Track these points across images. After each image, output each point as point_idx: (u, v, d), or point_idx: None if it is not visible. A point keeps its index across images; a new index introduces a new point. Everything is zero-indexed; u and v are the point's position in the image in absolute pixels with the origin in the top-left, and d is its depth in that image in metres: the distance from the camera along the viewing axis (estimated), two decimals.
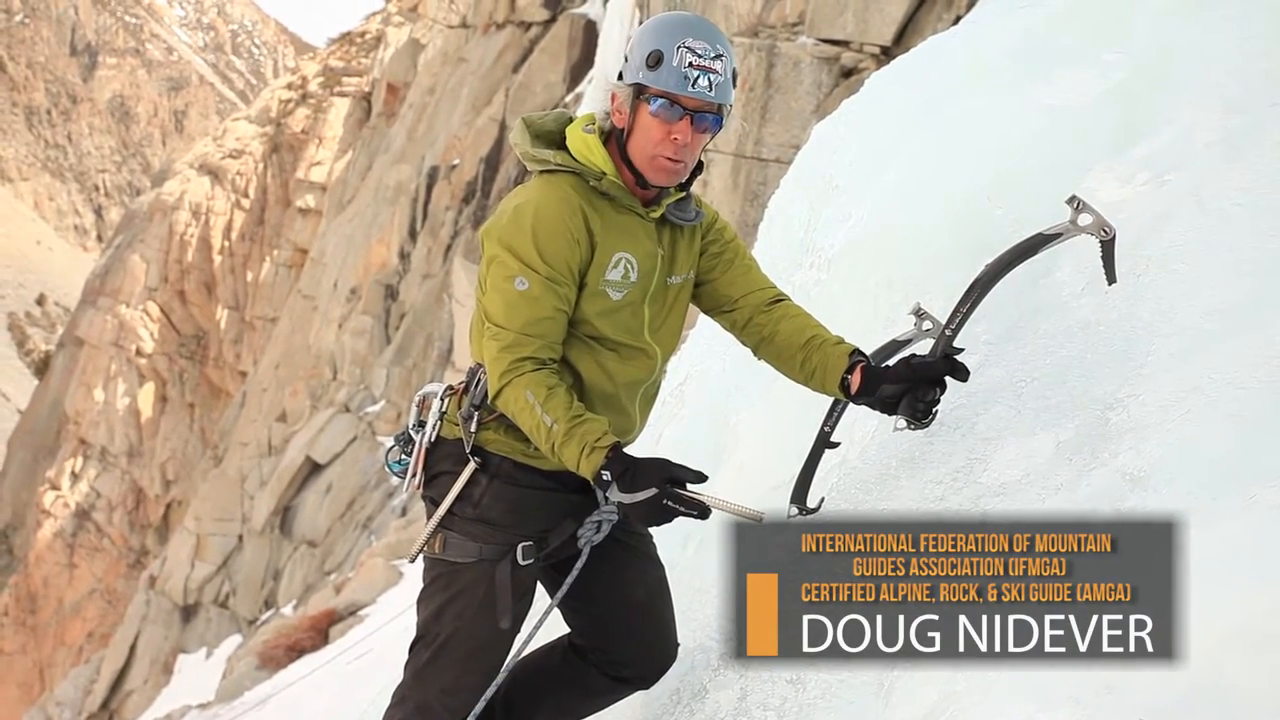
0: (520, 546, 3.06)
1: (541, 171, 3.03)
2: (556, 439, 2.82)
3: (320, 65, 54.05)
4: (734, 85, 2.97)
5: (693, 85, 2.86)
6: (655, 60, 2.87)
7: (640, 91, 2.91)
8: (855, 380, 3.02)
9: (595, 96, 24.83)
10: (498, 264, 2.93)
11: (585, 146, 2.99)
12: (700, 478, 2.83)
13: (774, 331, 3.18)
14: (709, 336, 5.26)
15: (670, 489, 2.78)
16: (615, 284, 2.99)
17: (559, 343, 2.96)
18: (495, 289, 2.93)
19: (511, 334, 2.89)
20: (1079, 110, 3.92)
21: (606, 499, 2.94)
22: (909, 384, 2.97)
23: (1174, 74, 3.78)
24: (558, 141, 3.07)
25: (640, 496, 2.77)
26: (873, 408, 3.06)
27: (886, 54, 13.65)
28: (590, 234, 2.94)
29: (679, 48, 2.86)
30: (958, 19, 10.94)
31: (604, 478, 2.79)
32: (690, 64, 2.86)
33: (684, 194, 3.09)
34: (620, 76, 2.97)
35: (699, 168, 3.07)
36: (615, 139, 3.00)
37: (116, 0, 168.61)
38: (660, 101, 2.89)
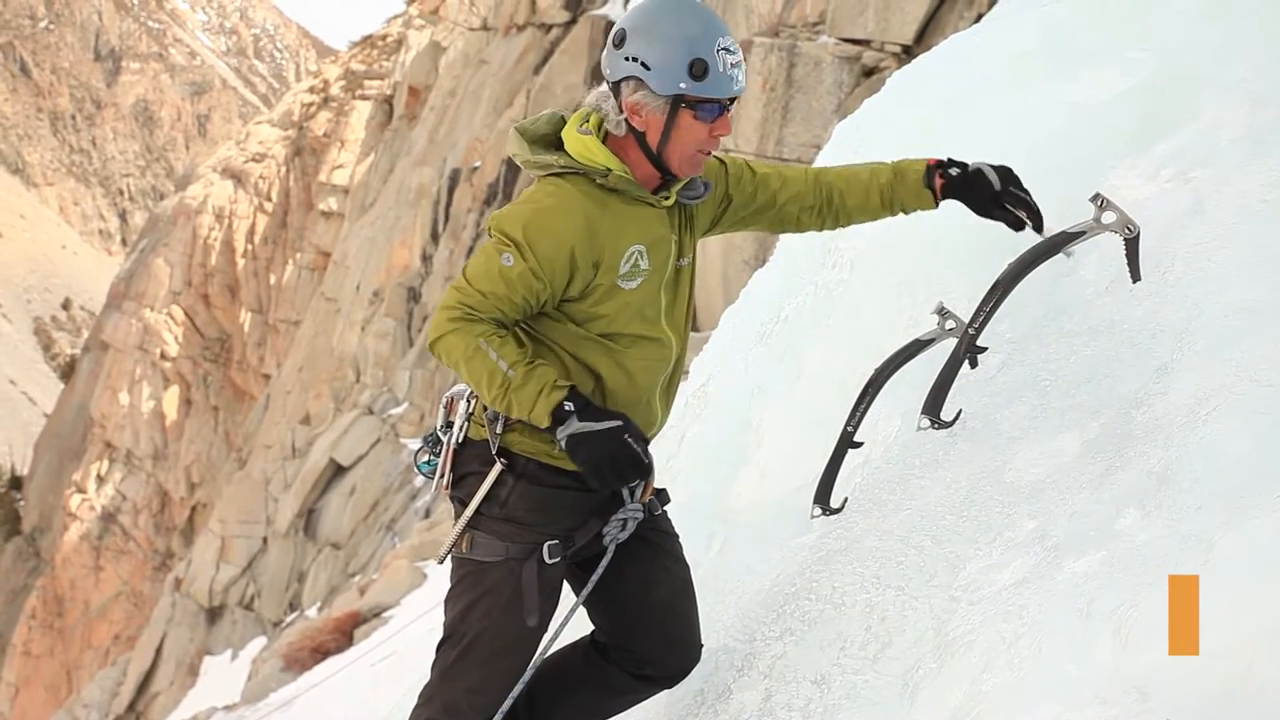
0: (546, 545, 3.07)
1: (546, 175, 3.03)
2: (513, 381, 2.86)
3: (342, 68, 54.19)
4: None
5: (735, 84, 2.91)
6: (702, 71, 2.86)
7: (682, 100, 2.90)
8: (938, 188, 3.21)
9: None
10: (495, 239, 2.96)
11: (584, 147, 2.98)
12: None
13: (843, 203, 3.30)
14: (730, 337, 5.26)
15: (633, 426, 2.89)
16: (627, 274, 3.00)
17: (510, 325, 2.98)
18: (483, 252, 2.97)
19: (476, 293, 2.92)
20: (1102, 107, 3.91)
21: (556, 438, 2.92)
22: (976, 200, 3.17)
23: (1198, 70, 3.77)
24: (555, 143, 3.07)
25: (602, 425, 2.86)
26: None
27: (908, 53, 13.63)
28: (595, 239, 2.93)
29: (718, 51, 2.87)
30: (979, 17, 10.91)
31: (566, 408, 2.85)
32: (730, 64, 2.89)
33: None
34: (631, 78, 2.91)
35: None
36: (635, 139, 2.98)
37: (140, 5, 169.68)
38: (708, 107, 2.91)
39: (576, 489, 3.10)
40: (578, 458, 2.90)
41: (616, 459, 2.89)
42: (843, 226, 3.39)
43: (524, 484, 3.06)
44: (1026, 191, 3.16)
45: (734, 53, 2.89)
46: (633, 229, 2.99)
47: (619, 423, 2.89)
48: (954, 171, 3.20)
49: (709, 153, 2.98)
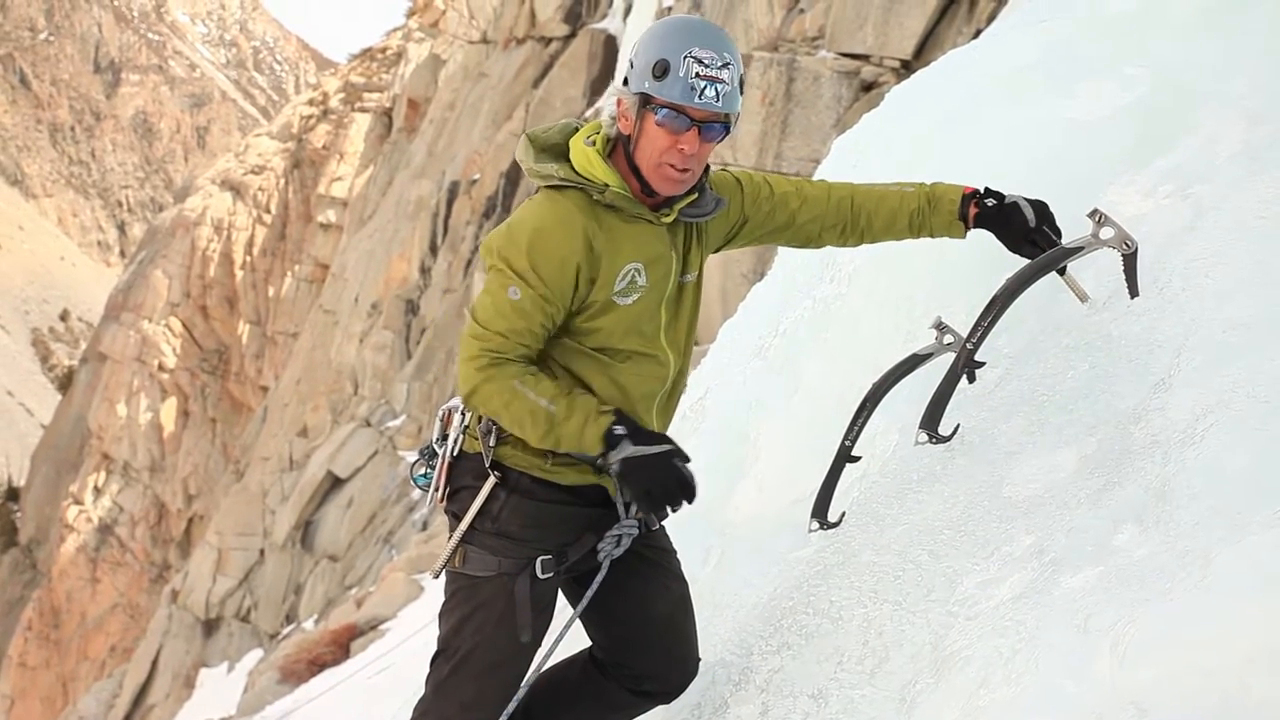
0: (539, 560, 3.06)
1: (547, 186, 3.01)
2: (557, 417, 2.85)
3: (341, 81, 54.30)
4: (741, 91, 2.94)
5: (700, 96, 2.82)
6: (661, 70, 2.82)
7: (646, 101, 2.87)
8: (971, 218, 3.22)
9: None
10: (496, 272, 2.94)
11: (586, 160, 2.96)
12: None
13: (868, 225, 3.29)
14: (728, 351, 5.26)
15: (679, 449, 2.90)
16: (623, 291, 2.97)
17: (536, 353, 2.98)
18: (488, 292, 2.94)
19: (495, 336, 2.90)
20: (1100, 123, 3.92)
21: (608, 462, 2.91)
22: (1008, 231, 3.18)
23: (1196, 86, 3.77)
24: (564, 153, 3.04)
25: (653, 450, 2.85)
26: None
27: (907, 68, 13.65)
28: (593, 254, 2.91)
29: (685, 57, 2.81)
30: (978, 32, 10.94)
31: (617, 432, 2.84)
32: (697, 74, 2.81)
33: (696, 194, 3.05)
34: (625, 81, 2.93)
35: (705, 170, 3.05)
36: (622, 145, 2.96)
37: (140, 18, 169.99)
38: (666, 112, 2.85)
39: (569, 504, 3.09)
40: (629, 482, 2.89)
41: (668, 485, 2.88)
42: (866, 244, 3.38)
43: (517, 498, 3.05)
44: (1059, 232, 3.16)
45: (709, 66, 2.81)
46: (630, 247, 2.96)
47: (669, 447, 2.88)
48: (989, 203, 3.18)
49: (681, 170, 2.91)
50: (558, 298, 2.90)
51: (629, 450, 2.85)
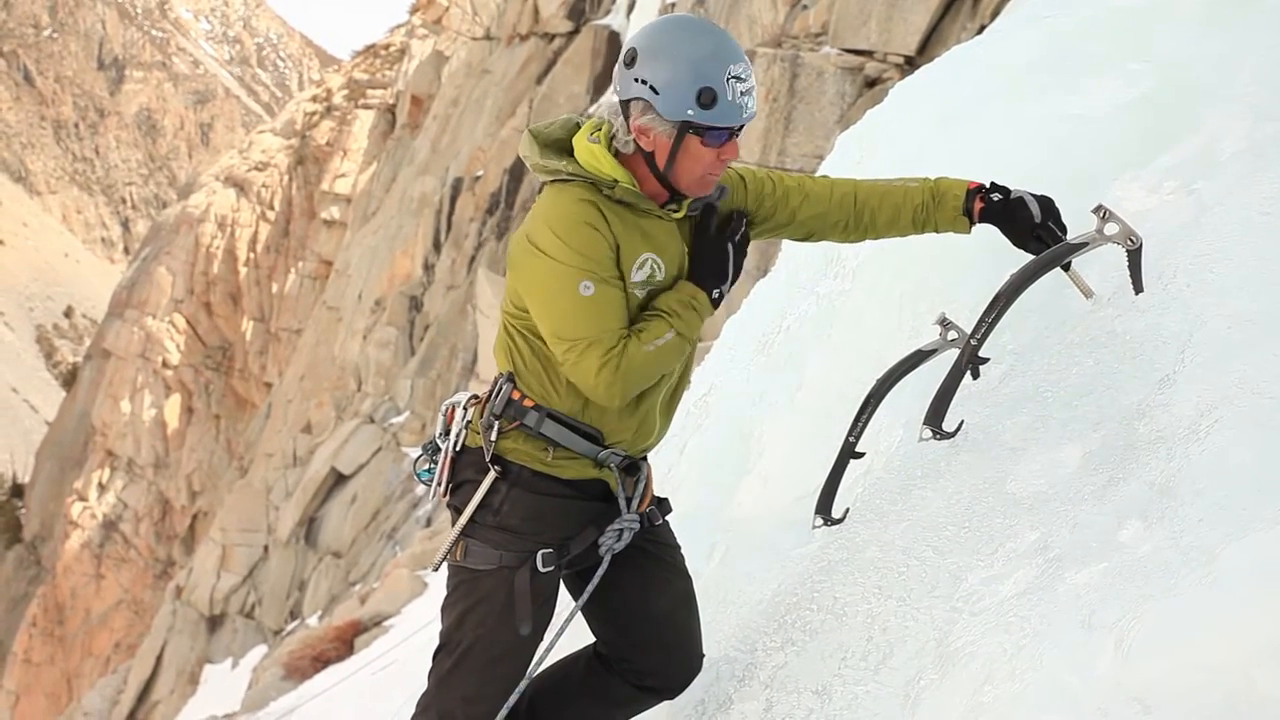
0: (540, 553, 3.07)
1: (553, 181, 3.01)
2: (681, 330, 2.95)
3: (345, 77, 54.27)
4: None
5: (745, 112, 2.88)
6: (710, 99, 2.83)
7: (689, 126, 2.88)
8: (976, 213, 3.22)
9: None
10: (550, 280, 2.91)
11: (592, 157, 2.96)
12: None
13: (871, 222, 3.31)
14: (732, 347, 5.26)
15: (720, 236, 3.09)
16: (641, 284, 2.98)
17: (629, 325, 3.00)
18: (553, 304, 2.92)
19: (599, 335, 2.89)
20: (1105, 119, 3.91)
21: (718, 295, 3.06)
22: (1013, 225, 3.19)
23: (1200, 82, 3.77)
24: (568, 148, 3.04)
25: (728, 267, 3.06)
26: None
27: (910, 64, 13.62)
28: (613, 234, 2.93)
29: (728, 80, 2.83)
30: (982, 28, 10.92)
31: (714, 297, 3.03)
32: (741, 93, 2.86)
33: None
34: (634, 100, 2.89)
35: None
36: (643, 156, 2.95)
37: (143, 15, 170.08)
38: (716, 133, 2.88)
39: (570, 498, 3.10)
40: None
41: (737, 238, 3.11)
42: (870, 240, 3.39)
43: (517, 492, 3.06)
44: (1064, 227, 3.15)
45: (745, 79, 2.85)
46: (643, 239, 2.97)
47: (721, 244, 3.05)
48: (995, 197, 3.18)
49: (717, 175, 2.97)
50: (614, 269, 2.93)
51: (728, 281, 3.06)
